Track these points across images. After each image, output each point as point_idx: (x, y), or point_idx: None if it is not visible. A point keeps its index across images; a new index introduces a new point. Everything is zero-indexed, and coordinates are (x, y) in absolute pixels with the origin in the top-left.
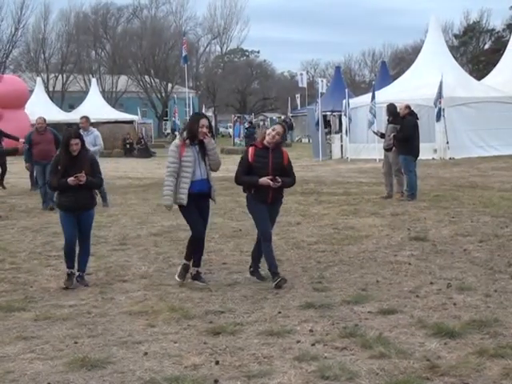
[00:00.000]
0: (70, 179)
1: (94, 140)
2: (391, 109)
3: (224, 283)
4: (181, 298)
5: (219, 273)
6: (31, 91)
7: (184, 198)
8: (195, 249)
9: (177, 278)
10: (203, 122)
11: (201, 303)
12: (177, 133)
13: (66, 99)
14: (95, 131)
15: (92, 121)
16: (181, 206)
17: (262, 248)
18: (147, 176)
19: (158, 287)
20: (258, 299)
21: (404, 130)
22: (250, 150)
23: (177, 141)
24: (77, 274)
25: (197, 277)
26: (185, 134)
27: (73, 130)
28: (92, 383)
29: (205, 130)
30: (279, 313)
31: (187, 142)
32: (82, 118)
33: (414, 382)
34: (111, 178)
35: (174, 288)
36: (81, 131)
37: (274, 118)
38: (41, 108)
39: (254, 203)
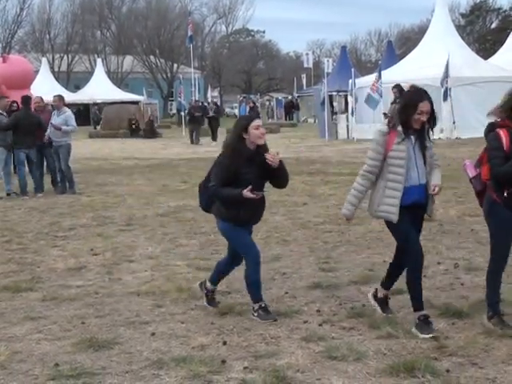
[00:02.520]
0: (248, 193)
1: (64, 120)
2: (399, 88)
3: None
4: (188, 278)
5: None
6: (37, 72)
7: (393, 212)
8: (399, 272)
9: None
10: (424, 106)
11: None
12: (182, 113)
13: (72, 80)
14: (68, 111)
15: (98, 101)
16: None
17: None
18: (153, 156)
19: (165, 267)
20: (265, 279)
21: None
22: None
23: (383, 128)
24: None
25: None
26: (395, 118)
27: (254, 114)
28: (99, 363)
29: (424, 118)
30: (286, 293)
31: (399, 130)
32: (55, 96)
33: (421, 362)
34: (117, 158)
35: (182, 268)
36: (54, 111)
37: (280, 98)
38: (46, 88)
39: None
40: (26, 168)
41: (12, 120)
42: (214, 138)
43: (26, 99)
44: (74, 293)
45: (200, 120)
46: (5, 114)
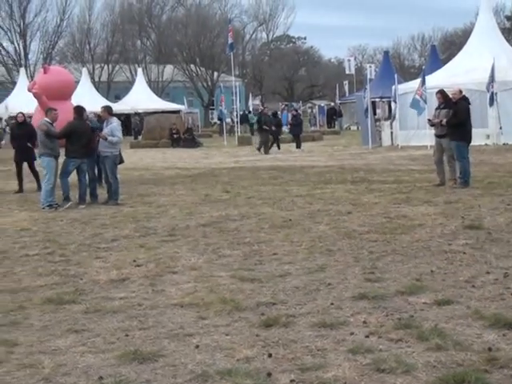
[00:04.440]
0: None
1: (110, 131)
2: (444, 94)
3: (275, 274)
4: (231, 289)
5: (270, 263)
6: (77, 82)
7: None
8: None
9: None
10: None
11: (252, 295)
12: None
13: (112, 90)
14: (115, 122)
15: (139, 111)
16: None
17: None
18: (195, 166)
19: (208, 279)
20: (309, 290)
21: (458, 116)
22: None
23: None
24: None
25: None
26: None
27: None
28: (144, 376)
29: None
30: (332, 304)
31: None
32: (102, 107)
33: (472, 375)
34: (159, 168)
35: (225, 279)
36: (105, 122)
37: (322, 105)
38: (87, 99)
39: None
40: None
41: (66, 128)
42: (279, 147)
43: (80, 109)
44: (117, 305)
45: (275, 131)
46: (54, 124)
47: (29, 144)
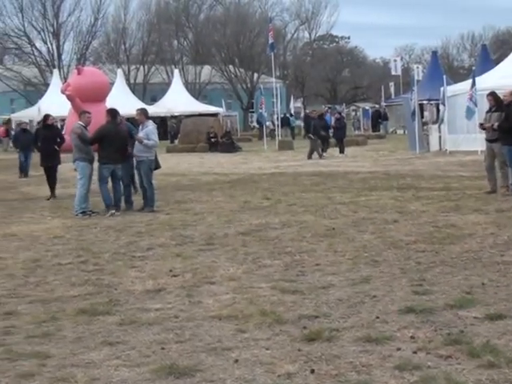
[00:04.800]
0: None
1: (146, 135)
2: (495, 96)
3: (317, 286)
4: (272, 301)
5: (312, 274)
6: (112, 84)
7: None
8: None
9: None
10: None
11: (293, 307)
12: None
13: (148, 91)
14: (150, 125)
15: (175, 114)
16: None
17: None
18: (233, 171)
19: (248, 290)
20: (354, 303)
21: (510, 119)
22: None
23: None
24: None
25: None
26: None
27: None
28: None
29: None
30: (377, 318)
31: None
32: (137, 110)
33: None
34: (196, 174)
35: (265, 291)
36: (141, 126)
37: (367, 107)
38: (121, 101)
39: None
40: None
41: (96, 134)
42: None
43: (114, 112)
44: (152, 316)
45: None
46: (88, 128)
47: (55, 147)
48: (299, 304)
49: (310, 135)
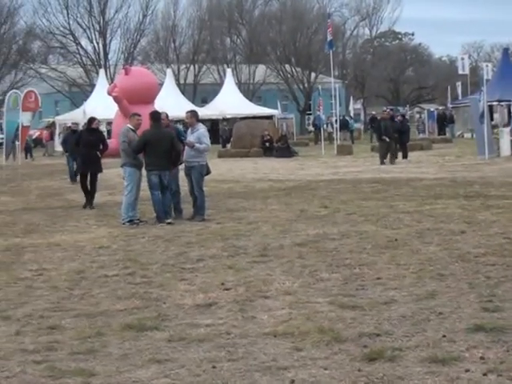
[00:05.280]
0: None
1: (197, 139)
2: None
3: (379, 301)
4: (330, 317)
5: (373, 289)
6: (161, 84)
7: None
8: None
9: None
10: None
11: (353, 324)
12: (323, 128)
13: (199, 92)
14: (202, 128)
15: (227, 116)
16: None
17: None
18: (289, 178)
19: (305, 305)
20: (418, 320)
21: None
22: None
23: None
24: None
25: None
26: None
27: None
28: None
29: None
30: (444, 336)
31: None
32: (188, 112)
33: None
34: (250, 180)
35: (323, 306)
36: (190, 129)
37: (432, 109)
38: (171, 102)
39: None
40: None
41: (139, 142)
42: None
43: (156, 115)
44: (203, 333)
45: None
46: (137, 131)
47: (98, 153)
48: (359, 321)
49: (384, 137)
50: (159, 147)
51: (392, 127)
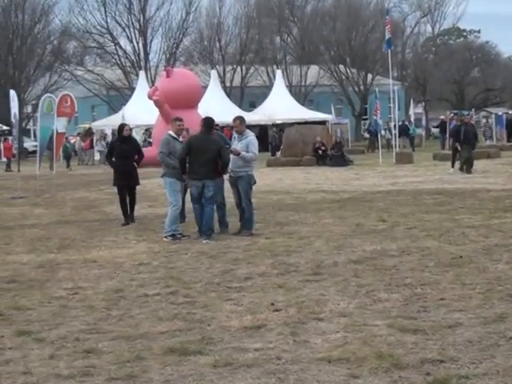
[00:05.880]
0: None
1: (246, 146)
2: None
3: (443, 324)
4: (389, 342)
5: (436, 311)
6: (205, 87)
7: None
8: None
9: None
10: None
11: (415, 349)
12: (380, 134)
13: (246, 96)
14: (251, 136)
15: (277, 122)
16: None
17: None
18: (344, 189)
19: (361, 328)
20: (486, 345)
21: None
22: None
23: None
24: None
25: None
26: None
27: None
28: None
29: None
30: None
31: None
32: (237, 119)
33: None
34: (301, 191)
35: (381, 329)
36: (236, 136)
37: (500, 113)
38: (216, 107)
39: None
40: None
41: (184, 149)
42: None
43: (208, 122)
44: (251, 357)
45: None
46: (180, 139)
47: (134, 164)
48: (421, 346)
49: (457, 144)
50: (203, 155)
51: (472, 132)
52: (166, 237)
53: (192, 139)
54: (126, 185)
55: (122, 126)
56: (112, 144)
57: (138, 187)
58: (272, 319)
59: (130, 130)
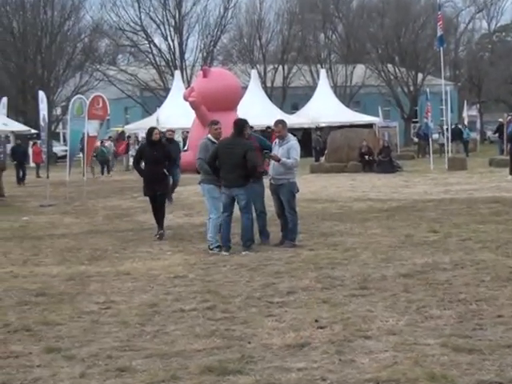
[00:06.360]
0: None
1: (287, 152)
2: None
3: (501, 344)
4: (442, 362)
5: (493, 329)
6: (244, 88)
7: None
8: None
9: None
10: None
11: (470, 370)
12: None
13: (288, 97)
14: (292, 140)
15: (321, 125)
16: None
17: None
18: (392, 197)
19: (412, 347)
20: None
21: None
22: None
23: None
24: None
25: None
26: None
27: None
28: None
29: None
30: None
31: None
32: (279, 123)
33: None
34: (347, 199)
35: (433, 349)
36: (276, 141)
37: None
38: (256, 109)
39: None
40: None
41: (212, 152)
42: None
43: (240, 124)
44: (294, 378)
45: None
46: (216, 142)
47: (164, 171)
48: (477, 366)
49: None
50: (230, 160)
51: None
52: (211, 248)
53: (219, 143)
54: (155, 193)
55: (151, 130)
56: (140, 149)
57: (173, 195)
58: (316, 337)
59: (163, 133)
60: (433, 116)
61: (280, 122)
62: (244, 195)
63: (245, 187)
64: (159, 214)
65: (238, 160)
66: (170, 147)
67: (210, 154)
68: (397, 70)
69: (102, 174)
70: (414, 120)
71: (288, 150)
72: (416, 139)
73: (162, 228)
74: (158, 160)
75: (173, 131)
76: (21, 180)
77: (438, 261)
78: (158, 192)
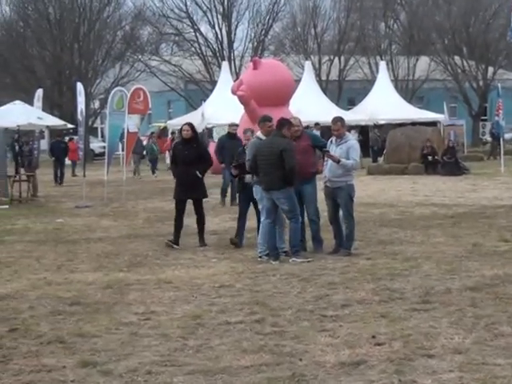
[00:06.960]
0: None
1: (346, 152)
2: None
3: None
4: None
5: None
6: (297, 81)
7: None
8: None
9: None
10: None
11: None
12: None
13: (345, 91)
14: (351, 140)
15: (380, 122)
16: None
17: None
18: (458, 202)
19: (480, 367)
20: None
21: None
22: None
23: None
24: None
25: None
26: None
27: None
28: None
29: None
30: None
31: None
32: (338, 120)
33: None
34: (408, 204)
35: (504, 369)
36: (333, 139)
37: None
38: (311, 104)
39: None
40: None
41: (250, 154)
42: None
43: (280, 123)
44: None
45: None
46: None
47: (198, 173)
48: None
49: None
50: (266, 161)
51: None
52: (260, 256)
53: (259, 143)
54: (187, 198)
55: (182, 126)
56: (173, 148)
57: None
58: (373, 354)
59: (209, 130)
60: (504, 114)
61: (339, 120)
62: (284, 198)
63: (282, 190)
64: (198, 221)
65: (273, 161)
66: (234, 143)
67: (250, 159)
68: (465, 63)
69: (153, 173)
70: (483, 118)
71: (347, 149)
72: (490, 138)
73: (203, 241)
74: (190, 160)
75: (236, 125)
76: (58, 179)
77: (509, 273)
78: (192, 197)
